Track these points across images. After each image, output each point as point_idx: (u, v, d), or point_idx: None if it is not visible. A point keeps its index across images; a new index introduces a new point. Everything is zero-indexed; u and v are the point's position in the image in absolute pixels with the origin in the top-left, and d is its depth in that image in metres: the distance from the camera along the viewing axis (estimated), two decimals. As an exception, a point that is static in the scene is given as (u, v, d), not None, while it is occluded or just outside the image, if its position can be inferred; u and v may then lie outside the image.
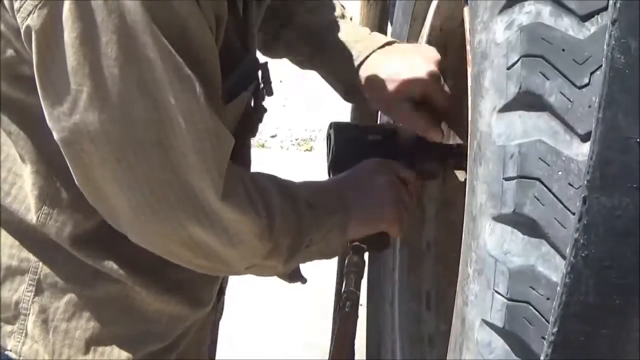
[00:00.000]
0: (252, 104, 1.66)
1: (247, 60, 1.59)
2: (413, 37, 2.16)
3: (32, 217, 1.47)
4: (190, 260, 1.48)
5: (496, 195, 1.28)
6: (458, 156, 1.87)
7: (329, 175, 1.85)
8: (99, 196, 1.41)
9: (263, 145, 5.25)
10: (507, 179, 1.27)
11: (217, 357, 1.84)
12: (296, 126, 5.32)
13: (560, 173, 1.23)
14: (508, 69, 1.29)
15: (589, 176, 1.08)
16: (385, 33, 2.20)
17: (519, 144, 1.26)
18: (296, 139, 5.30)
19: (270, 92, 1.68)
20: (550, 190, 1.23)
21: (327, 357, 2.27)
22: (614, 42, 1.04)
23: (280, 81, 5.98)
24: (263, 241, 1.50)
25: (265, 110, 1.68)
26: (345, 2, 1.97)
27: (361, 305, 2.22)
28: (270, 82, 1.67)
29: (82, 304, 1.51)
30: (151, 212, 1.40)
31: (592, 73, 1.24)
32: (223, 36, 1.46)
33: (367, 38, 1.88)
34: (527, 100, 1.27)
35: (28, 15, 1.32)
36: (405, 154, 1.81)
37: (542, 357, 1.19)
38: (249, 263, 1.53)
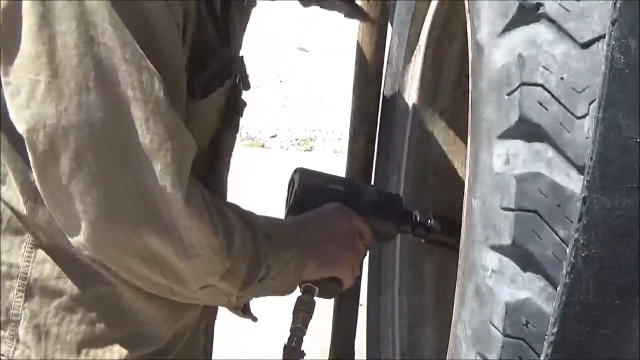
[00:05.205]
0: (230, 99, 1.61)
1: (222, 55, 1.53)
2: (412, 40, 2.16)
3: (22, 208, 1.43)
4: (145, 276, 1.42)
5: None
6: (417, 224, 1.86)
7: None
8: (56, 199, 1.35)
9: (263, 146, 5.24)
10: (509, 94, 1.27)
11: (217, 358, 1.83)
12: (296, 126, 5.31)
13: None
14: None
15: (589, 176, 1.08)
16: (385, 33, 2.19)
17: None
18: (296, 139, 5.29)
19: (247, 86, 1.64)
20: None
21: (326, 358, 2.28)
22: (614, 42, 1.04)
23: (280, 81, 5.99)
24: (220, 256, 1.44)
25: (245, 104, 1.64)
26: (344, 2, 1.97)
27: (361, 305, 2.22)
28: (247, 76, 1.63)
29: (72, 307, 1.48)
30: (105, 218, 1.34)
31: None
32: (200, 33, 1.42)
33: None
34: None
35: None
36: (364, 211, 1.80)
37: (542, 357, 1.19)
38: (204, 282, 1.47)
